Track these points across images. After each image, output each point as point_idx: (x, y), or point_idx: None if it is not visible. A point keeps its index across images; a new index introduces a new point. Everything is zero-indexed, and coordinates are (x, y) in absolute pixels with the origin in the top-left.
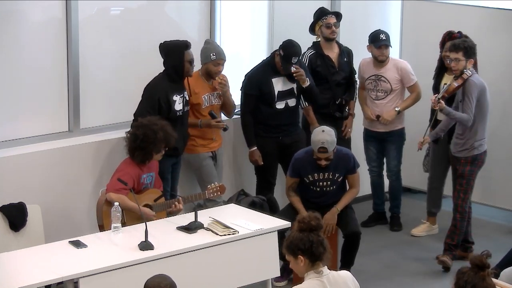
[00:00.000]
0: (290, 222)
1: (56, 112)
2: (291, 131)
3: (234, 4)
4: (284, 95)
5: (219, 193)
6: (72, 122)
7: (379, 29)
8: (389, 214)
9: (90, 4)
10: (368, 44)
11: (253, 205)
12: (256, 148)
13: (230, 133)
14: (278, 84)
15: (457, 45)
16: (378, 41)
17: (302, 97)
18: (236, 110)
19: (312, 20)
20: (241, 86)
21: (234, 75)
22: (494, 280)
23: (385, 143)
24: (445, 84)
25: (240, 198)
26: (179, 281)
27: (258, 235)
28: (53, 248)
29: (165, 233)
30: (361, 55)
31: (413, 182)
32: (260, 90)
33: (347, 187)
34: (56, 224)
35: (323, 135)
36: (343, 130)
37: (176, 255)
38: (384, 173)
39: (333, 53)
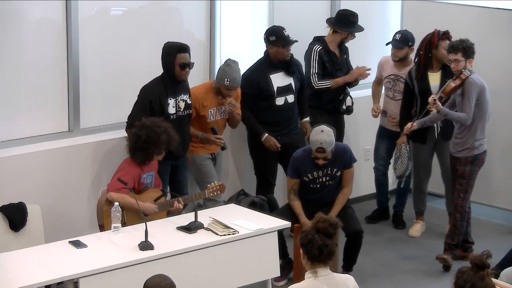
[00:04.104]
0: (289, 222)
1: (56, 112)
2: (291, 129)
3: (234, 4)
4: (283, 90)
5: (219, 192)
6: (72, 122)
7: (404, 30)
8: (392, 212)
9: (90, 4)
10: None
11: (253, 205)
12: (267, 134)
13: (230, 133)
14: (277, 80)
15: (455, 46)
16: (392, 39)
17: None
18: None
19: (314, 18)
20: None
21: None
22: (494, 280)
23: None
24: (437, 83)
25: (240, 198)
26: (179, 281)
27: (258, 235)
28: (53, 248)
29: (165, 233)
30: (361, 55)
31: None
32: (259, 88)
33: None
34: (56, 224)
35: (322, 135)
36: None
37: (176, 255)
38: (390, 171)
39: (337, 51)
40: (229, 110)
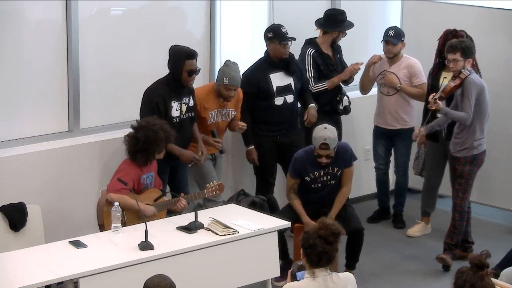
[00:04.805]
0: (289, 222)
1: (56, 112)
2: (289, 130)
3: (234, 4)
4: (282, 90)
5: (218, 191)
6: (72, 122)
7: (394, 26)
8: (392, 211)
9: (90, 4)
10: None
11: (253, 205)
12: (253, 147)
13: (231, 133)
14: (276, 80)
15: (454, 46)
16: (384, 36)
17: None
18: None
19: (314, 18)
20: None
21: None
22: (493, 280)
23: (395, 139)
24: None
25: (240, 198)
26: (179, 281)
27: (258, 235)
28: (53, 248)
29: (165, 233)
30: (361, 55)
31: (413, 182)
32: (258, 88)
33: None
34: (56, 224)
35: (326, 131)
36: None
37: (176, 255)
38: (391, 170)
39: (329, 51)
40: (239, 131)
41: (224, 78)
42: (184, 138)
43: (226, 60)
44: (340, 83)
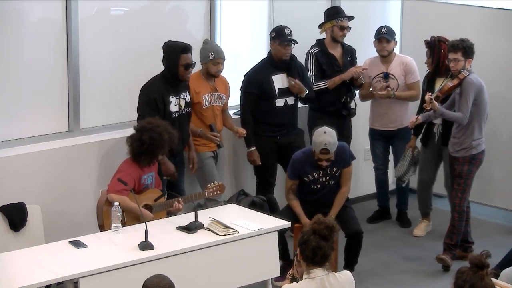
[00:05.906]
0: (290, 222)
1: (56, 112)
2: (290, 130)
3: (234, 4)
4: (283, 92)
5: (218, 192)
6: (72, 122)
7: (385, 25)
8: (396, 211)
9: (90, 4)
10: (373, 40)
11: (253, 205)
12: (254, 148)
13: (230, 133)
14: (278, 81)
15: (455, 45)
16: (378, 34)
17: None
18: (236, 111)
19: (315, 18)
20: (240, 86)
21: (234, 75)
22: (493, 280)
23: (392, 140)
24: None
25: (240, 198)
26: (179, 281)
27: (258, 235)
28: (53, 248)
29: (165, 233)
30: (361, 55)
31: (414, 182)
32: (261, 89)
33: None
34: (56, 224)
35: (325, 136)
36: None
37: (176, 255)
38: (391, 170)
39: (337, 52)
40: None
41: (210, 54)
42: (183, 134)
43: (204, 40)
44: (351, 87)
